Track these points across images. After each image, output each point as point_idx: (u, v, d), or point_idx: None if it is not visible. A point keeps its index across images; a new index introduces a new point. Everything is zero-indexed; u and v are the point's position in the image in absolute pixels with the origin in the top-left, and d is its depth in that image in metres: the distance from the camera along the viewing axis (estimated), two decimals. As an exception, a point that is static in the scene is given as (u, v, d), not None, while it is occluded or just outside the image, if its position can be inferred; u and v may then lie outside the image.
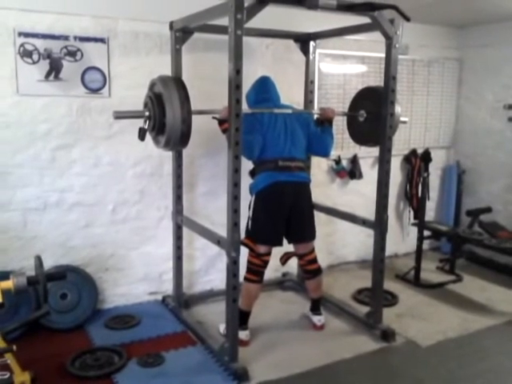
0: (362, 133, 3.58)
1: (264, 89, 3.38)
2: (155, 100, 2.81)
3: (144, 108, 2.94)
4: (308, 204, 3.34)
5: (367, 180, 4.54)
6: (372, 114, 3.42)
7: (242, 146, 2.70)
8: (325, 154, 3.48)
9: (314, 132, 3.38)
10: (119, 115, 2.89)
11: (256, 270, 3.23)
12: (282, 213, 3.21)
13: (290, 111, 3.31)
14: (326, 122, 3.42)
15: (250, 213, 3.21)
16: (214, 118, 3.04)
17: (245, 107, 2.84)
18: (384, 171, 3.25)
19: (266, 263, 3.25)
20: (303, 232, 3.35)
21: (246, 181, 3.11)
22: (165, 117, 2.77)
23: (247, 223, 3.22)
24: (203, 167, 3.90)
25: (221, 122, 2.97)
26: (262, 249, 3.21)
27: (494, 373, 2.97)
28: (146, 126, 2.89)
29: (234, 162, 2.66)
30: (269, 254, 3.26)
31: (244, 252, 3.06)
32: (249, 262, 3.24)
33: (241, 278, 2.96)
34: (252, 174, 3.32)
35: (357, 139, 3.72)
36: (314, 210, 3.41)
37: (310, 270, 3.45)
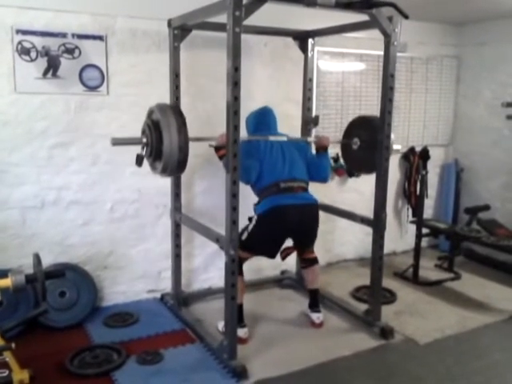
0: (356, 160, 3.65)
1: (264, 120, 3.46)
2: (153, 127, 2.83)
3: (142, 135, 2.96)
4: (315, 225, 3.36)
5: (365, 178, 4.53)
6: (365, 142, 3.50)
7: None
8: (324, 178, 3.49)
9: (312, 158, 3.45)
10: (117, 142, 2.90)
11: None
12: (284, 236, 3.29)
13: (285, 138, 3.37)
14: (321, 149, 3.49)
15: (249, 227, 3.21)
16: (210, 145, 3.13)
17: (243, 134, 2.88)
18: (382, 169, 3.25)
19: (246, 259, 3.31)
20: (306, 243, 3.47)
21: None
22: (162, 143, 2.78)
23: (241, 233, 3.16)
24: (202, 165, 3.89)
25: (217, 148, 3.05)
26: (247, 255, 3.25)
27: (491, 370, 2.97)
28: (144, 153, 2.92)
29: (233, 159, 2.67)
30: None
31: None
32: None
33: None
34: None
35: (351, 166, 3.76)
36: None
37: (307, 258, 3.52)
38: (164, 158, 2.78)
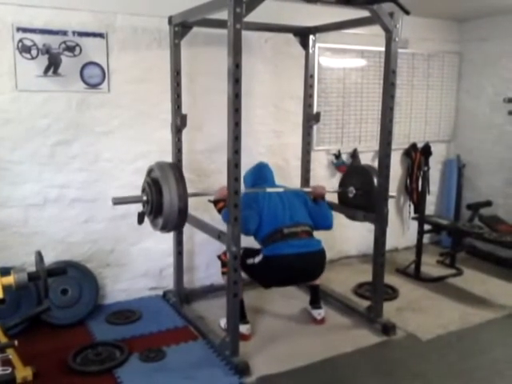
0: (352, 207, 3.64)
1: (261, 174, 3.52)
2: (152, 184, 2.86)
3: (142, 193, 2.99)
4: (320, 272, 3.34)
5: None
6: (360, 190, 3.55)
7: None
8: (329, 225, 3.46)
9: (312, 207, 3.46)
10: (118, 201, 2.93)
11: None
12: (285, 282, 3.35)
13: (281, 189, 3.39)
14: (318, 197, 3.52)
15: (255, 259, 3.18)
16: (209, 201, 3.23)
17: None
18: (384, 165, 3.24)
19: None
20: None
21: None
22: (162, 196, 2.80)
23: (247, 256, 3.15)
24: (203, 163, 3.89)
25: (216, 202, 3.14)
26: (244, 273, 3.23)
27: (494, 366, 2.97)
28: (145, 210, 2.97)
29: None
30: None
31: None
32: (221, 259, 3.29)
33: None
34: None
35: (347, 213, 3.75)
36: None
37: None
38: (164, 211, 2.81)
